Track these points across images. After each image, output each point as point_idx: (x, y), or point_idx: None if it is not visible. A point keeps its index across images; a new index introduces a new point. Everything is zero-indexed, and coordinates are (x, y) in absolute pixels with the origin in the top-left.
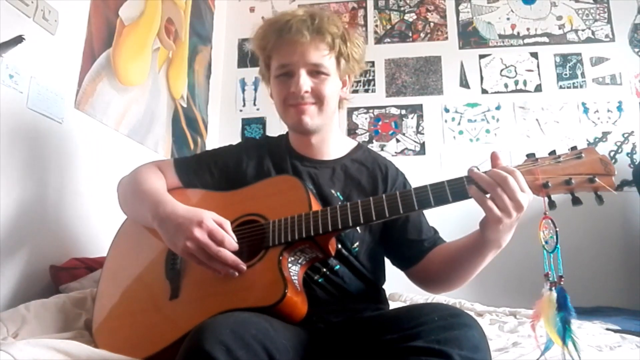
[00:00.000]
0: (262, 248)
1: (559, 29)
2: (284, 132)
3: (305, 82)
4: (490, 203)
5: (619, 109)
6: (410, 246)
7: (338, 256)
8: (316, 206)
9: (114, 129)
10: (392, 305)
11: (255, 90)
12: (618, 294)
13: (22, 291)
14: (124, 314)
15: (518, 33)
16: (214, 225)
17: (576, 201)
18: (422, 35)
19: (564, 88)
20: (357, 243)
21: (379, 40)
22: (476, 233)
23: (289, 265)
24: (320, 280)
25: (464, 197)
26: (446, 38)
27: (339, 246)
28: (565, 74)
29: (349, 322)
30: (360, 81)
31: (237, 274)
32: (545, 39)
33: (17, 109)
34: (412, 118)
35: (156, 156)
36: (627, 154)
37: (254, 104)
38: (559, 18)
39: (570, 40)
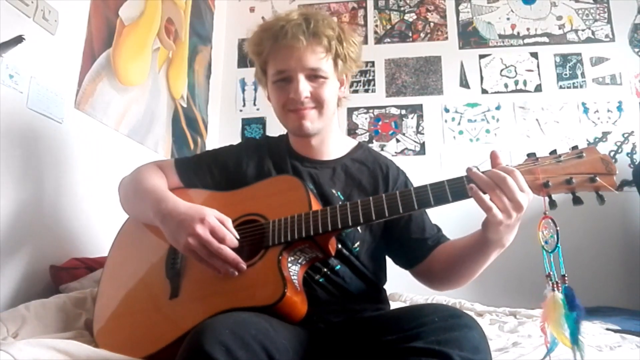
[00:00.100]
0: (262, 248)
1: (559, 29)
2: (284, 133)
3: (305, 87)
4: (489, 204)
5: (619, 109)
6: (413, 245)
7: (339, 256)
8: (316, 206)
9: (114, 129)
10: (393, 305)
11: (255, 90)
12: (618, 294)
13: (22, 291)
14: (124, 314)
15: (518, 33)
16: (215, 222)
17: (577, 201)
18: (422, 35)
19: (564, 88)
20: (357, 243)
21: (379, 40)
22: (479, 233)
23: (289, 265)
24: (321, 280)
25: (463, 196)
26: (446, 38)
27: (339, 246)
28: (565, 74)
29: (349, 322)
30: (360, 81)
31: (236, 273)
32: (545, 39)
33: (17, 109)
34: (412, 118)
35: (156, 156)
36: (627, 154)
37: (254, 104)
38: (559, 18)
39: (570, 40)
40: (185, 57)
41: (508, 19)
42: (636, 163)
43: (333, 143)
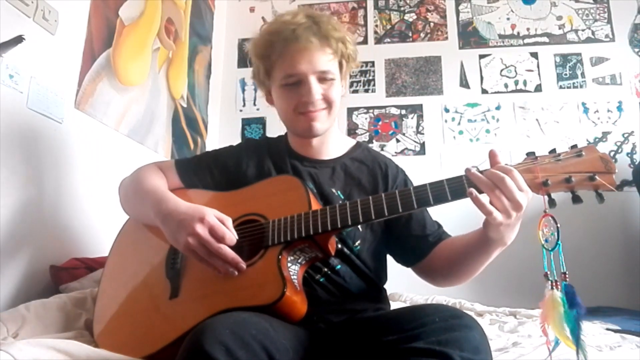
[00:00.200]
0: (261, 247)
1: (559, 29)
2: (283, 133)
3: (317, 89)
4: (489, 208)
5: (619, 109)
6: (414, 242)
7: (339, 255)
8: (316, 206)
9: (114, 129)
10: (393, 305)
11: (255, 90)
12: (618, 294)
13: (23, 291)
14: (124, 314)
15: (518, 33)
16: (215, 221)
17: (576, 199)
18: (422, 35)
19: (564, 88)
20: (358, 241)
21: (379, 40)
22: (480, 231)
23: (289, 264)
24: (321, 280)
25: (463, 195)
26: (446, 38)
27: (340, 245)
28: (565, 74)
29: (349, 322)
30: (360, 81)
31: (236, 272)
32: (545, 39)
33: (17, 109)
34: (412, 118)
35: (156, 156)
36: (627, 154)
37: (254, 104)
38: (559, 18)
39: (570, 40)
40: (185, 57)
41: (508, 19)
42: (636, 163)
43: (333, 143)
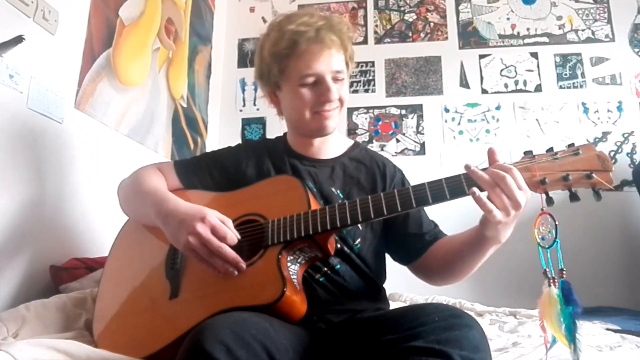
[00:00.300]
0: (261, 247)
1: (559, 29)
2: (282, 134)
3: (335, 89)
4: (490, 206)
5: (619, 109)
6: (411, 240)
7: (339, 254)
8: (315, 205)
9: (114, 129)
10: (393, 305)
11: (255, 90)
12: (618, 294)
13: (23, 291)
14: (124, 314)
15: (518, 33)
16: (216, 221)
17: (574, 197)
18: (422, 35)
19: (564, 88)
20: (358, 240)
21: (379, 40)
22: (476, 229)
23: (288, 264)
24: (321, 280)
25: (461, 194)
26: (446, 38)
27: (339, 245)
28: (565, 74)
29: (349, 322)
30: (360, 81)
31: (236, 272)
32: (545, 39)
33: (17, 109)
34: (412, 118)
35: (156, 156)
36: (627, 154)
37: (254, 104)
38: (559, 18)
39: (570, 40)
40: (185, 57)
41: (508, 19)
42: (636, 163)
43: (332, 142)
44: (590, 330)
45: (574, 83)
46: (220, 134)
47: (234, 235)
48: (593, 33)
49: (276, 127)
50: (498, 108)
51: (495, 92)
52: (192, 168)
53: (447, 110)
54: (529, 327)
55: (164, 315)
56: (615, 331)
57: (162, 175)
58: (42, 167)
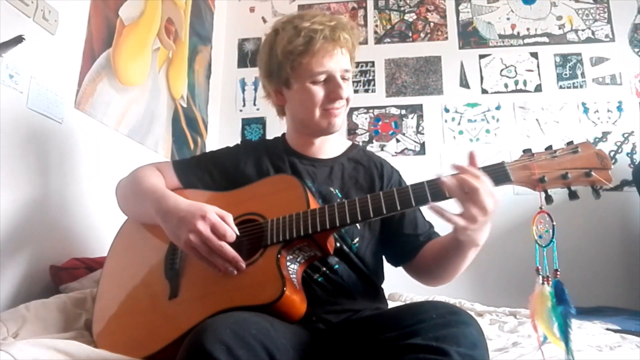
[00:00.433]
0: (260, 247)
1: (559, 29)
2: (280, 135)
3: (344, 87)
4: (449, 216)
5: (619, 109)
6: (405, 241)
7: (338, 254)
8: (314, 205)
9: (114, 129)
10: (392, 305)
11: (255, 90)
12: (618, 294)
13: (23, 291)
14: (124, 314)
15: (518, 33)
16: (217, 219)
17: (573, 195)
18: (422, 35)
19: (564, 88)
20: (357, 239)
21: (379, 40)
22: (451, 234)
23: (288, 263)
24: (319, 280)
25: None
26: (446, 38)
27: (338, 244)
28: (565, 74)
29: (348, 321)
30: (360, 81)
31: (235, 272)
32: (545, 39)
33: (17, 109)
34: (412, 118)
35: (156, 156)
36: (627, 154)
37: (254, 104)
38: (559, 18)
39: (570, 40)
40: (185, 57)
41: (508, 19)
42: (636, 163)
43: (332, 142)
44: (590, 330)
45: (574, 83)
46: (220, 134)
47: (233, 233)
48: (593, 33)
49: (276, 127)
50: (498, 108)
51: (495, 92)
52: (191, 167)
53: (447, 110)
54: (529, 327)
55: (164, 315)
56: (615, 331)
57: (160, 175)
58: (42, 167)
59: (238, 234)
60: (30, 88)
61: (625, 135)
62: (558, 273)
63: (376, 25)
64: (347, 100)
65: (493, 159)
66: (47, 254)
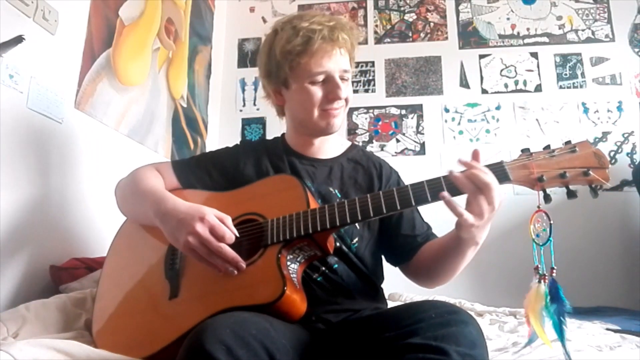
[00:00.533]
0: (260, 246)
1: (559, 29)
2: (280, 135)
3: (343, 87)
4: (460, 210)
5: (619, 109)
6: (403, 241)
7: (337, 254)
8: (314, 204)
9: (114, 129)
10: (391, 305)
11: (255, 90)
12: (618, 294)
13: (23, 291)
14: (124, 314)
15: (518, 33)
16: (215, 220)
17: (571, 194)
18: (422, 35)
19: (564, 88)
20: (356, 239)
21: (379, 40)
22: (453, 232)
23: (288, 263)
24: (319, 279)
25: (459, 193)
26: (446, 38)
27: (338, 244)
28: (565, 74)
29: (348, 321)
30: (360, 81)
31: (236, 272)
32: (545, 39)
33: (17, 109)
34: (412, 118)
35: (156, 156)
36: (627, 154)
37: (254, 104)
38: (559, 18)
39: (570, 40)
40: (185, 57)
41: (508, 19)
42: (636, 163)
43: (331, 143)
44: (590, 330)
45: (574, 83)
46: (220, 134)
47: (232, 235)
48: (593, 33)
49: (276, 127)
50: (498, 108)
51: (495, 92)
52: (190, 168)
53: (447, 110)
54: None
55: (164, 315)
56: (615, 331)
57: (159, 175)
58: (42, 167)
59: (238, 235)
60: (30, 88)
61: (625, 135)
62: (554, 271)
63: (376, 25)
64: (346, 100)
65: (492, 158)
66: (47, 254)
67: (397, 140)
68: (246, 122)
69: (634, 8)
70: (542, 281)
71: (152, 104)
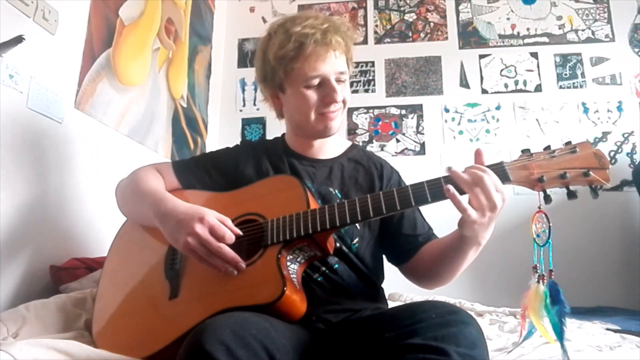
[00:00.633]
0: (260, 247)
1: (559, 29)
2: (280, 135)
3: (339, 90)
4: (465, 205)
5: (619, 109)
6: (404, 241)
7: (337, 254)
8: (314, 205)
9: (114, 129)
10: (392, 305)
11: (255, 90)
12: (618, 294)
13: (23, 291)
14: (124, 314)
15: (518, 33)
16: (215, 221)
17: (571, 195)
18: (422, 35)
19: (564, 88)
20: (356, 239)
21: (379, 40)
22: (456, 231)
23: (288, 263)
24: (319, 279)
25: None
26: (446, 38)
27: (338, 244)
28: (565, 74)
29: (348, 321)
30: (360, 81)
31: (235, 272)
32: (545, 39)
33: (17, 109)
34: (412, 118)
35: (156, 156)
36: (627, 154)
37: (254, 104)
38: (559, 18)
39: (570, 40)
40: (185, 57)
41: (508, 19)
42: (636, 163)
43: (331, 143)
44: (590, 330)
45: (574, 83)
46: (220, 134)
47: (232, 235)
48: (593, 33)
49: (276, 127)
50: (498, 108)
51: (495, 92)
52: (190, 168)
53: (447, 110)
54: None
55: (164, 315)
56: (615, 331)
57: (160, 176)
58: (42, 167)
59: (241, 233)
60: (30, 88)
61: (625, 135)
62: (553, 273)
63: (376, 25)
64: (344, 102)
65: (492, 159)
66: (47, 254)
67: (397, 140)
68: (246, 122)
69: (634, 8)
70: (540, 281)
71: (152, 104)
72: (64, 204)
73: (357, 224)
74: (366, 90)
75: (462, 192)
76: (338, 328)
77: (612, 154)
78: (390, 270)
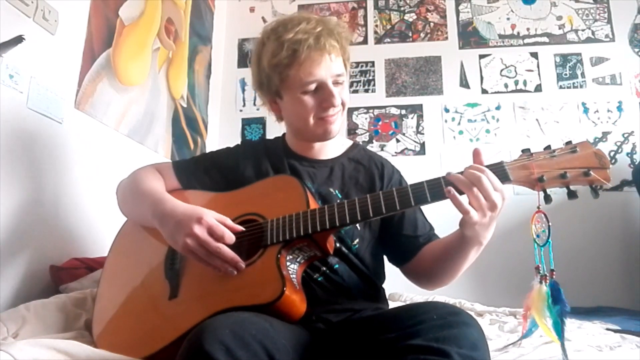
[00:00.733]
0: (260, 247)
1: (559, 29)
2: (280, 135)
3: (336, 93)
4: (466, 207)
5: (619, 109)
6: (405, 242)
7: (338, 254)
8: (314, 205)
9: (114, 129)
10: (392, 305)
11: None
12: (618, 294)
13: (23, 291)
14: (124, 314)
15: (518, 33)
16: (213, 221)
17: (571, 195)
18: (422, 35)
19: (564, 88)
20: (357, 240)
21: (379, 40)
22: (457, 231)
23: (288, 263)
24: (319, 279)
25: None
26: (446, 38)
27: (338, 244)
28: (565, 74)
29: (348, 321)
30: (360, 81)
31: (235, 272)
32: (545, 39)
33: (17, 109)
34: (412, 118)
35: (156, 156)
36: (627, 154)
37: (254, 104)
38: (559, 18)
39: (570, 40)
40: (185, 57)
41: (508, 19)
42: (636, 163)
43: (331, 143)
44: (590, 330)
45: (574, 83)
46: (220, 134)
47: (231, 235)
48: (593, 33)
49: (276, 127)
50: (498, 108)
51: (495, 92)
52: (190, 169)
53: (447, 110)
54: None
55: (164, 315)
56: (615, 331)
57: (160, 176)
58: (42, 167)
59: (242, 229)
60: (30, 88)
61: (625, 135)
62: (554, 273)
63: (376, 25)
64: (343, 104)
65: (492, 158)
66: (47, 254)
67: (397, 140)
68: (246, 122)
69: (634, 8)
70: (543, 281)
71: (152, 104)
72: (64, 204)
73: (357, 225)
74: (366, 90)
75: (461, 193)
76: (338, 328)
77: (612, 154)
78: (391, 271)
